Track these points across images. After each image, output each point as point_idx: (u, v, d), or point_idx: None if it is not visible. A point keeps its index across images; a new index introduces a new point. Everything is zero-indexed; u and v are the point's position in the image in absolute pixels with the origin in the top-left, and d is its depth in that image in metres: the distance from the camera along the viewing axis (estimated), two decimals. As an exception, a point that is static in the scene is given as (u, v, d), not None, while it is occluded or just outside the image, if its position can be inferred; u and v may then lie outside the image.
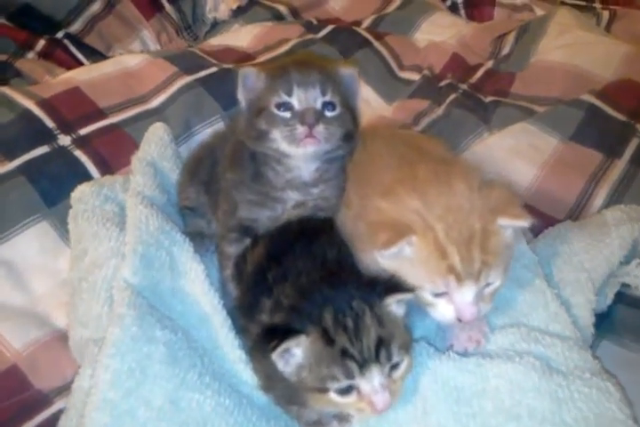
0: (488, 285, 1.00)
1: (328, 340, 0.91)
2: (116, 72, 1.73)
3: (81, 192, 1.34)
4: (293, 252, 1.10)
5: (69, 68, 1.93)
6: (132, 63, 1.77)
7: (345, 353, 0.90)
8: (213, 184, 1.31)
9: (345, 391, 0.92)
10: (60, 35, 2.02)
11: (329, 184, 1.20)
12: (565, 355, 1.01)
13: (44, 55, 1.98)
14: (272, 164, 1.18)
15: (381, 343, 0.92)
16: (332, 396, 0.93)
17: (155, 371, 0.99)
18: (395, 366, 0.94)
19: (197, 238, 1.33)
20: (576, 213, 1.52)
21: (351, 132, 1.17)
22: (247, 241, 1.24)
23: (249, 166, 1.21)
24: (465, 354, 1.05)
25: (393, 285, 0.97)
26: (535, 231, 1.35)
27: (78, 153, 1.51)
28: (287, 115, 1.13)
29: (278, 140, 1.13)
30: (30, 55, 1.97)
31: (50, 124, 1.54)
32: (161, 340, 1.03)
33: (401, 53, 2.10)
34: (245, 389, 1.08)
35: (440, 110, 1.83)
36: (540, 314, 1.09)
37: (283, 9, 2.28)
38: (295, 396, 0.99)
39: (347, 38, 2.06)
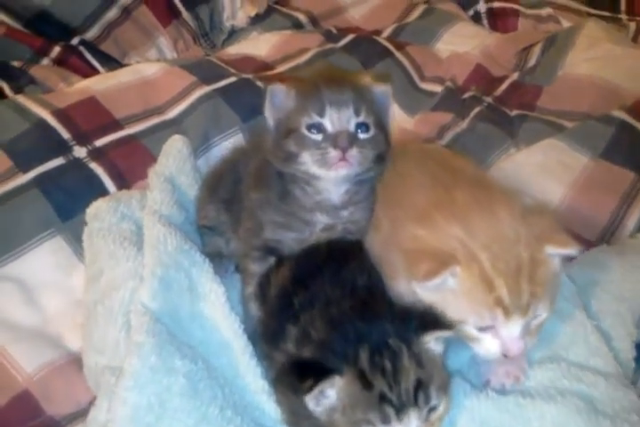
0: (535, 317, 0.95)
1: (365, 383, 0.85)
2: (133, 81, 1.68)
3: (97, 208, 1.30)
4: (321, 276, 1.05)
5: (84, 75, 1.88)
6: (149, 72, 1.72)
7: (383, 398, 0.85)
8: (235, 203, 1.26)
9: None
10: (75, 41, 1.96)
11: (358, 206, 1.15)
12: (610, 395, 0.96)
13: (59, 62, 1.93)
14: (301, 184, 1.13)
15: (420, 386, 0.86)
16: None
17: (174, 405, 0.94)
18: (432, 409, 0.89)
19: (216, 259, 1.28)
20: (608, 234, 1.46)
21: (383, 154, 1.12)
22: (271, 260, 1.19)
23: (276, 186, 1.15)
24: (502, 391, 0.99)
25: (430, 319, 0.92)
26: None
27: (94, 165, 1.47)
28: (319, 137, 1.07)
29: (309, 163, 1.08)
30: (45, 62, 1.92)
31: (65, 134, 1.49)
32: (181, 370, 0.97)
33: (422, 64, 2.04)
34: (269, 422, 1.02)
35: (464, 124, 1.78)
36: (581, 348, 1.04)
37: (302, 17, 2.23)
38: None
39: (367, 48, 2.01)
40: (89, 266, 1.23)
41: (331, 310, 0.96)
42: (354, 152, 1.06)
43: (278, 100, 1.11)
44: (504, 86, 1.94)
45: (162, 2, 2.06)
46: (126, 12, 1.99)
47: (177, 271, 1.14)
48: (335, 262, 1.08)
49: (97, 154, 1.49)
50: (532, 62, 1.98)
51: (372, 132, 1.09)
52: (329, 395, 0.87)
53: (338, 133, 1.06)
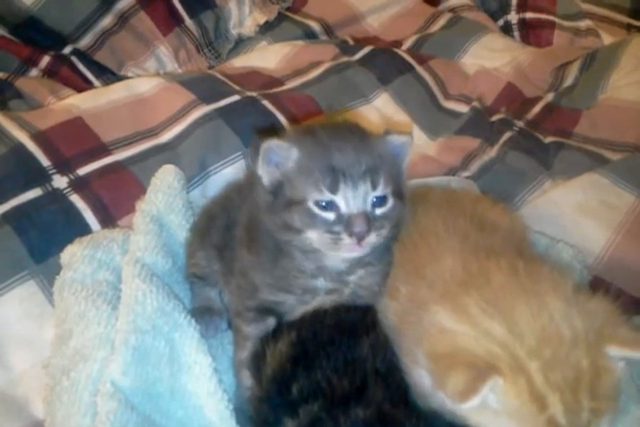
0: None
1: None
2: (125, 99, 1.51)
3: (71, 255, 1.13)
4: (326, 357, 0.88)
5: (76, 87, 1.72)
6: (143, 88, 1.55)
7: None
8: (228, 250, 1.09)
9: None
10: (67, 50, 1.80)
11: (369, 271, 0.97)
12: None
13: (49, 73, 1.77)
14: (299, 252, 0.95)
15: None
16: None
17: None
18: None
19: (206, 315, 1.11)
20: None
21: (402, 218, 0.95)
22: (270, 321, 1.02)
23: (269, 246, 0.98)
24: None
25: None
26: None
27: (75, 198, 1.29)
28: (331, 216, 0.89)
29: (315, 242, 0.90)
30: (34, 73, 1.76)
31: (45, 162, 1.33)
32: (151, 472, 0.81)
33: (447, 80, 1.86)
34: None
35: (493, 152, 1.59)
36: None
37: (315, 25, 2.05)
38: None
39: (386, 61, 1.82)
40: (58, 325, 1.06)
41: (339, 420, 0.77)
42: (372, 237, 0.88)
43: (276, 157, 0.92)
44: (537, 109, 1.75)
45: (162, 8, 1.87)
46: (123, 18, 1.82)
47: (155, 338, 0.97)
48: (344, 337, 0.90)
49: (79, 184, 1.32)
50: (568, 82, 1.79)
51: (389, 203, 0.91)
52: None
53: (354, 218, 0.87)
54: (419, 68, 1.84)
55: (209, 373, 0.97)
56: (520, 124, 1.67)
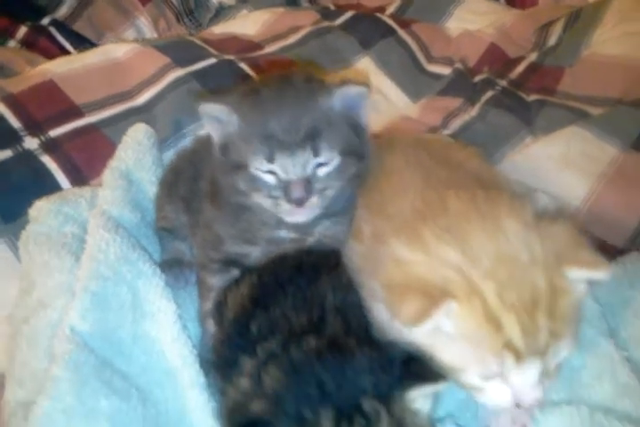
0: (555, 357, 0.74)
1: None
2: (99, 63, 1.50)
3: (38, 210, 1.12)
4: (285, 295, 0.86)
5: (54, 58, 1.70)
6: (118, 53, 1.54)
7: None
8: (195, 201, 1.07)
9: None
10: (45, 21, 1.78)
11: (334, 221, 0.96)
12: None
13: (27, 44, 1.75)
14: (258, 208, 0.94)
15: None
16: None
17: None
18: None
19: (175, 267, 1.09)
20: (639, 239, 1.24)
21: (359, 170, 0.92)
22: (234, 272, 1.00)
23: (231, 201, 0.96)
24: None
25: (417, 366, 0.71)
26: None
27: (46, 159, 1.29)
28: (271, 180, 0.88)
29: (262, 204, 0.90)
30: (12, 44, 1.75)
31: (15, 123, 1.32)
32: (105, 412, 0.79)
33: (429, 44, 1.83)
34: None
35: (474, 111, 1.57)
36: (606, 386, 0.83)
37: (297, -8, 2.02)
38: None
39: (367, 26, 1.80)
40: (23, 278, 1.04)
41: (291, 351, 0.75)
42: (313, 200, 0.87)
43: (217, 120, 0.90)
44: (520, 68, 1.72)
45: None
46: (101, -13, 1.80)
47: (117, 285, 0.95)
48: (304, 278, 0.88)
49: (50, 145, 1.31)
50: (552, 41, 1.75)
51: (335, 162, 0.88)
52: None
53: (292, 183, 0.86)
54: (401, 32, 1.82)
55: (173, 319, 0.96)
56: (503, 83, 1.65)
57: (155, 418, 0.85)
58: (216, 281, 1.01)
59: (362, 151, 0.92)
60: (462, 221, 0.76)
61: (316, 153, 0.86)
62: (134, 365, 0.91)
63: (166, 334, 0.94)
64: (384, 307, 0.78)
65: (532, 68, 1.71)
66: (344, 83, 0.91)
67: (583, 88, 1.57)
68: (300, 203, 0.87)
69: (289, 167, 0.86)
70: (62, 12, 1.78)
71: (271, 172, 0.87)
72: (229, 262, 1.00)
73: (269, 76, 1.06)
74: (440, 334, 0.72)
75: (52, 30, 1.77)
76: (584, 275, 0.74)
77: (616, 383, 0.83)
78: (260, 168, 0.87)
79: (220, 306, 0.96)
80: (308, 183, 0.87)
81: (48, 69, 1.45)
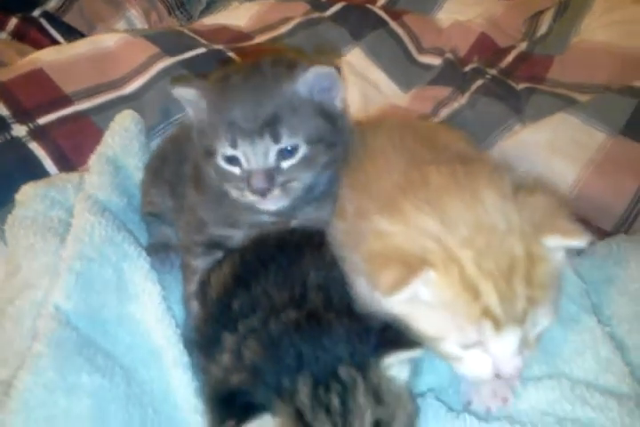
0: (534, 326, 0.74)
1: (303, 426, 0.66)
2: (89, 52, 1.50)
3: (24, 194, 1.12)
4: (266, 274, 0.86)
5: (45, 49, 1.71)
6: (108, 43, 1.53)
7: None
8: (180, 186, 1.07)
9: None
10: (36, 13, 1.78)
11: (315, 206, 0.95)
12: (624, 422, 0.75)
13: (18, 36, 1.75)
14: None
15: None
16: None
17: (73, 432, 0.75)
18: None
19: (161, 251, 1.10)
20: (627, 223, 1.25)
21: (333, 159, 0.92)
22: (218, 254, 1.00)
23: (214, 186, 0.96)
24: (487, 415, 0.79)
25: (393, 334, 0.72)
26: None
27: (34, 146, 1.29)
28: (236, 171, 0.88)
29: (233, 195, 0.91)
30: (3, 36, 1.75)
31: (3, 111, 1.32)
32: (87, 388, 0.79)
33: (420, 35, 1.83)
34: None
35: (464, 99, 1.57)
36: (588, 361, 0.83)
37: (287, -15, 2.02)
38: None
39: (358, 17, 1.80)
40: (8, 261, 1.05)
41: (270, 324, 0.75)
42: (276, 192, 0.87)
43: (191, 103, 0.92)
44: (510, 58, 1.72)
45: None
46: (91, -21, 1.80)
47: (102, 266, 0.96)
48: (286, 256, 0.88)
49: (39, 133, 1.31)
50: (542, 30, 1.76)
51: (301, 152, 0.87)
52: None
53: (253, 173, 0.86)
54: (392, 24, 1.82)
55: (157, 300, 0.96)
56: (493, 72, 1.64)
57: (139, 397, 0.85)
58: (199, 263, 1.01)
59: (334, 139, 0.91)
60: (442, 193, 0.76)
61: (275, 140, 0.85)
62: (119, 345, 0.91)
63: (151, 314, 0.94)
64: (365, 280, 0.78)
65: (522, 57, 1.71)
66: (310, 65, 0.89)
67: (571, 75, 1.57)
68: (262, 194, 0.86)
69: (250, 155, 0.86)
70: (53, 3, 1.78)
71: (235, 161, 0.87)
72: (213, 245, 1.00)
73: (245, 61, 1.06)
74: (419, 303, 0.72)
75: (43, 22, 1.78)
76: (562, 243, 0.74)
77: (598, 358, 0.83)
78: (225, 154, 0.87)
79: (203, 286, 0.96)
80: (271, 175, 0.86)
81: (37, 58, 1.46)
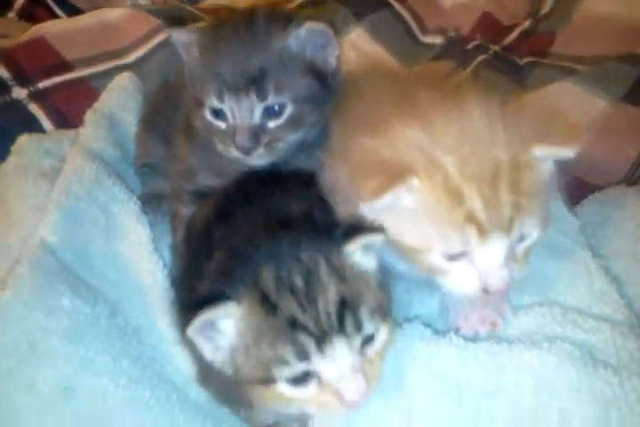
0: (522, 239, 0.72)
1: (269, 306, 0.64)
2: (92, 24, 1.51)
3: (20, 145, 1.12)
4: (248, 206, 0.84)
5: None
6: (111, 16, 1.55)
7: (295, 324, 0.63)
8: (172, 134, 1.07)
9: (300, 380, 0.65)
10: (42, -7, 1.81)
11: (304, 155, 0.92)
12: (617, 343, 0.72)
13: (25, 16, 1.77)
14: None
15: (345, 306, 0.65)
16: (283, 388, 0.66)
17: (49, 347, 0.75)
18: (368, 340, 0.67)
19: (154, 201, 1.09)
20: (628, 185, 1.22)
21: (323, 117, 0.90)
22: None
23: (202, 136, 0.95)
24: (474, 339, 0.76)
25: (357, 226, 0.70)
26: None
27: (33, 107, 1.30)
28: (222, 126, 0.87)
29: (219, 148, 0.89)
30: (10, 15, 1.77)
31: (4, 74, 1.33)
32: (66, 311, 0.78)
33: (424, 16, 1.83)
34: (179, 378, 0.83)
35: (466, 73, 1.56)
36: (581, 292, 0.81)
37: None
38: (236, 393, 0.72)
39: (362, -1, 1.81)
40: (0, 206, 1.04)
41: (238, 238, 0.74)
42: (260, 151, 0.85)
43: (186, 48, 0.91)
44: (513, 35, 1.71)
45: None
46: (96, -40, 1.83)
47: (90, 205, 0.95)
48: (268, 189, 0.86)
49: (39, 95, 1.32)
50: (546, 9, 1.75)
51: (288, 111, 0.86)
52: (224, 329, 0.66)
53: (238, 130, 0.85)
54: (396, 5, 1.82)
55: (146, 240, 0.95)
56: (495, 48, 1.64)
57: (123, 329, 0.84)
58: (187, 210, 1.00)
59: (323, 98, 0.89)
60: (428, 108, 0.75)
61: (261, 97, 0.84)
62: (105, 281, 0.91)
63: (138, 253, 0.94)
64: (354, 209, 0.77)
65: (525, 34, 1.70)
66: (304, 22, 0.87)
67: (574, 48, 1.56)
68: (246, 152, 0.86)
69: (236, 111, 0.85)
70: (59, -17, 1.80)
71: (221, 115, 0.87)
72: (201, 194, 0.99)
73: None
74: (403, 213, 0.71)
75: (50, 2, 1.79)
76: (550, 152, 0.72)
77: (592, 290, 0.81)
78: (212, 106, 0.86)
79: (190, 226, 0.95)
80: (256, 133, 0.85)
81: (40, 27, 1.47)
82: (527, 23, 1.74)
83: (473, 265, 0.71)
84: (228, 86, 0.84)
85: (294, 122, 0.87)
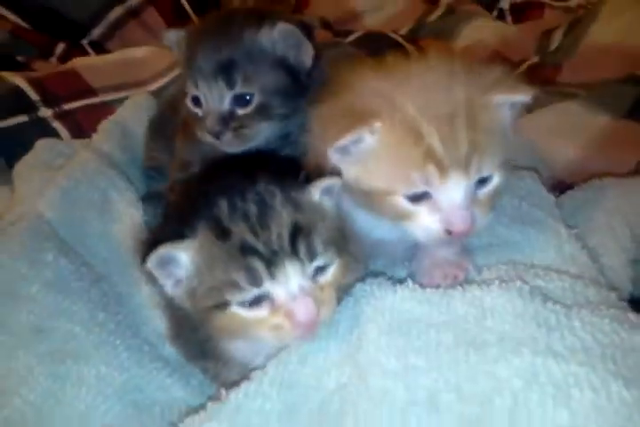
0: (483, 182, 0.74)
1: (221, 231, 0.67)
2: (119, 59, 1.64)
3: (36, 147, 1.21)
4: (225, 177, 0.86)
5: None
6: (136, 53, 1.68)
7: (246, 247, 0.66)
8: (174, 138, 1.13)
9: (253, 303, 0.67)
10: (84, 41, 1.97)
11: (291, 148, 0.97)
12: (576, 290, 0.71)
13: (64, 60, 1.92)
14: None
15: (299, 232, 0.67)
16: (236, 311, 0.68)
17: (29, 294, 0.79)
18: (322, 269, 0.69)
19: (155, 199, 1.13)
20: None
21: (294, 110, 0.95)
22: None
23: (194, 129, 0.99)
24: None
25: (316, 173, 0.73)
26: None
27: (57, 124, 1.40)
28: (199, 112, 0.94)
29: (198, 135, 0.95)
30: (52, 61, 1.92)
31: (34, 96, 1.44)
32: (50, 265, 0.83)
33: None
34: (152, 337, 0.86)
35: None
36: (550, 255, 0.80)
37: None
38: (204, 348, 0.74)
39: (376, 41, 1.91)
40: (14, 196, 1.11)
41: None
42: (228, 136, 0.91)
43: (176, 44, 0.99)
44: (521, 69, 1.76)
45: (169, 5, 2.05)
46: (132, 12, 1.99)
47: (89, 190, 1.02)
48: (248, 166, 0.89)
49: (63, 115, 1.42)
50: (554, 45, 1.81)
51: (256, 100, 0.91)
52: (180, 260, 0.69)
53: (207, 114, 0.92)
54: (409, 47, 1.91)
55: (138, 222, 1.00)
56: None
57: (106, 292, 0.88)
58: None
59: (294, 92, 0.94)
60: (395, 64, 0.82)
61: (229, 85, 0.90)
62: (97, 258, 0.95)
63: (128, 232, 0.98)
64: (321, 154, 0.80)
65: (534, 67, 1.75)
66: (278, 21, 0.92)
67: (580, 76, 1.59)
68: (215, 136, 0.91)
69: (208, 97, 0.91)
70: (97, 32, 1.96)
71: (199, 103, 0.93)
72: None
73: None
74: (366, 155, 0.75)
75: (87, 47, 1.94)
76: (508, 99, 0.76)
77: (562, 254, 0.81)
78: (191, 93, 0.93)
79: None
80: (224, 118, 0.91)
81: (73, 62, 1.60)
82: (535, 58, 1.79)
83: (436, 207, 0.73)
84: (201, 74, 0.91)
85: (262, 111, 0.92)
